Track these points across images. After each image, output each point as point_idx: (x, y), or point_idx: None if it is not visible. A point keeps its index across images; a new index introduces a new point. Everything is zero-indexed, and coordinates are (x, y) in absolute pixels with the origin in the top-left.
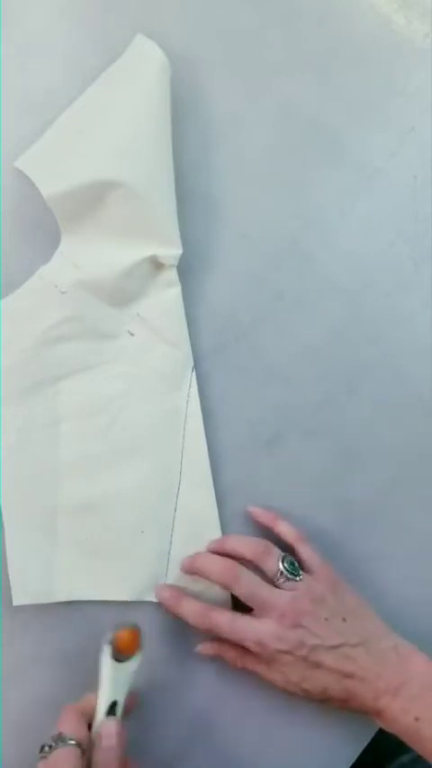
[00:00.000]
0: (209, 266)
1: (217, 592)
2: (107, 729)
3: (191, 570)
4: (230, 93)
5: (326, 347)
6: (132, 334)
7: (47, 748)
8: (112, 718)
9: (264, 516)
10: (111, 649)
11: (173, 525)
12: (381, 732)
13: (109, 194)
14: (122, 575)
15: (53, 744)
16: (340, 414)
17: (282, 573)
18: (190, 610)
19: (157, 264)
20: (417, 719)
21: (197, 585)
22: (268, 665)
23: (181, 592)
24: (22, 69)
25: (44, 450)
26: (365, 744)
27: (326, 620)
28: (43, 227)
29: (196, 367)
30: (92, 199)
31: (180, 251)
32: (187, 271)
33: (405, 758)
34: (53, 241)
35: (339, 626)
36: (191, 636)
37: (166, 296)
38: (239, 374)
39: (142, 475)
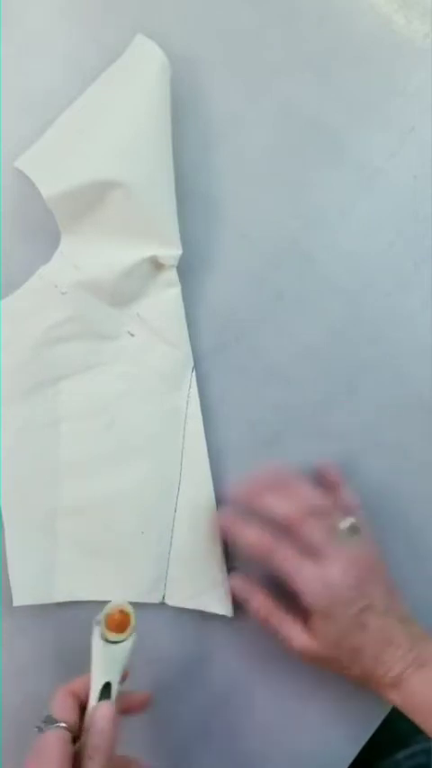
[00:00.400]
0: (209, 266)
1: (218, 593)
2: (101, 712)
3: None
4: (230, 93)
5: (326, 347)
6: (132, 335)
7: (36, 730)
8: (105, 701)
9: (335, 475)
10: (101, 630)
11: (173, 525)
12: (377, 730)
13: (109, 194)
14: (122, 575)
15: (42, 726)
16: (340, 414)
17: (346, 531)
18: (254, 537)
19: (157, 265)
20: None
21: (197, 584)
22: (309, 617)
23: (243, 520)
24: (22, 69)
25: (44, 451)
26: (365, 741)
27: (381, 583)
28: (43, 227)
29: (196, 367)
30: (92, 199)
31: (180, 251)
32: (187, 271)
33: (400, 755)
34: (53, 241)
35: (389, 594)
36: (192, 635)
37: (166, 296)
38: (239, 374)
39: (142, 475)
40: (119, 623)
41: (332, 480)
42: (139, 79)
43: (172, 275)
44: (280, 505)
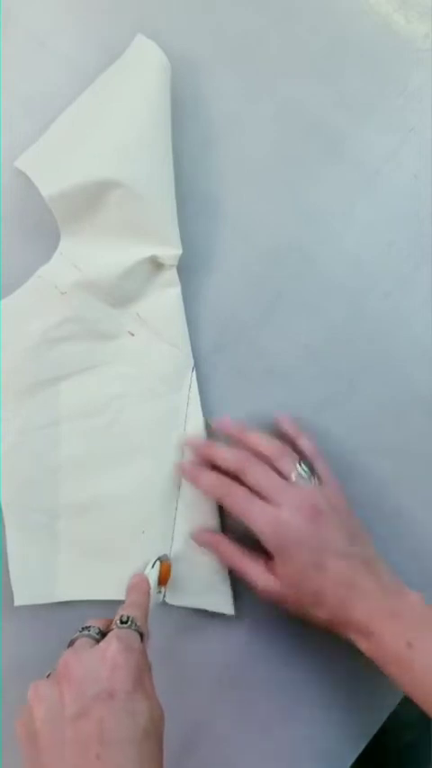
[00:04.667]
0: (209, 266)
1: (220, 592)
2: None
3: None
4: (230, 93)
5: (326, 347)
6: (132, 335)
7: (118, 623)
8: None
9: (289, 426)
10: (157, 572)
11: (174, 526)
12: (376, 744)
13: (109, 194)
14: (123, 575)
15: (128, 622)
16: (340, 414)
17: (298, 474)
18: (208, 481)
19: (156, 265)
20: (409, 645)
21: (198, 583)
22: (268, 559)
23: (201, 467)
24: (22, 69)
25: (44, 451)
26: (365, 743)
27: (339, 525)
28: (43, 227)
29: (196, 367)
30: (92, 199)
31: (180, 251)
32: (187, 271)
33: None
34: (53, 241)
35: (350, 537)
36: (192, 635)
37: (166, 296)
38: (239, 374)
39: (143, 475)
40: (164, 575)
41: (288, 433)
42: (139, 79)
43: (172, 275)
44: (223, 455)
